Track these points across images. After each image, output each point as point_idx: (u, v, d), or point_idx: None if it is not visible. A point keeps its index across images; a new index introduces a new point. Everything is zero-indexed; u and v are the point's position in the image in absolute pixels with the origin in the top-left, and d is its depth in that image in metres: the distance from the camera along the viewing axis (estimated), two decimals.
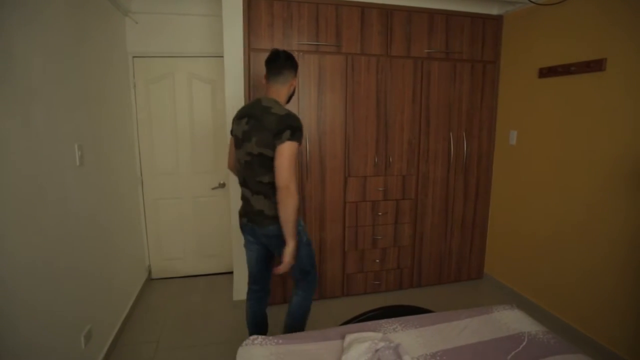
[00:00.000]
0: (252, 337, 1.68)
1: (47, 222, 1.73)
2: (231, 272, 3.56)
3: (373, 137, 2.95)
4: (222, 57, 3.21)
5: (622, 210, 2.27)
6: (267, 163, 1.87)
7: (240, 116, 2.02)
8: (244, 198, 2.08)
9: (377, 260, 3.14)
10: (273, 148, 1.83)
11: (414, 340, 1.72)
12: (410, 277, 3.27)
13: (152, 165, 3.33)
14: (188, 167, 3.39)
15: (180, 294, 3.25)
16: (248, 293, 2.26)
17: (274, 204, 1.91)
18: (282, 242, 1.90)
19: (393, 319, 1.88)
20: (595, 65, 2.35)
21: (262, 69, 2.67)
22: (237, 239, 2.90)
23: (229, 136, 2.25)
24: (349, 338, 1.65)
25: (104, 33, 2.61)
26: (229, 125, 2.74)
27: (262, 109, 1.92)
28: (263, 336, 1.69)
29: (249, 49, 2.66)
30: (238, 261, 2.94)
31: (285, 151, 1.80)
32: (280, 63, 1.97)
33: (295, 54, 2.68)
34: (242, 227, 2.13)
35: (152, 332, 2.67)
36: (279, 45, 2.71)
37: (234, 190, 2.84)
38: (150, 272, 3.49)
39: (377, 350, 1.56)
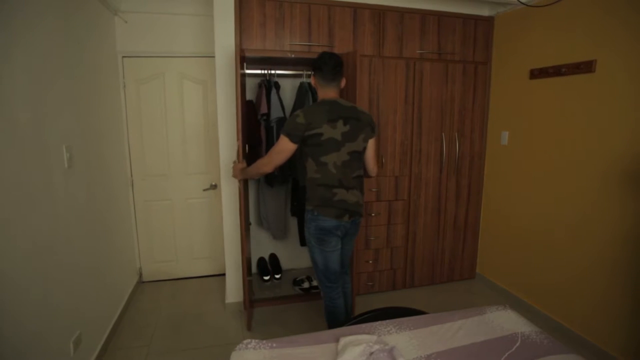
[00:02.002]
0: (245, 341, 1.66)
1: (34, 225, 1.68)
2: (223, 274, 3.53)
3: None
4: (214, 57, 3.19)
5: (614, 211, 2.29)
6: (361, 158, 2.17)
7: (332, 119, 2.02)
8: (337, 200, 2.07)
9: (370, 261, 3.13)
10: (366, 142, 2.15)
11: (408, 342, 1.72)
12: (403, 277, 3.27)
13: (143, 166, 3.28)
14: (179, 169, 3.35)
15: (171, 296, 3.21)
16: (336, 295, 2.26)
17: (362, 194, 2.20)
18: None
19: (387, 320, 1.87)
20: (585, 67, 2.37)
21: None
22: (230, 241, 2.88)
23: (288, 147, 2.03)
24: (343, 341, 1.64)
25: (93, 32, 2.57)
26: (221, 126, 2.73)
27: (352, 109, 2.11)
28: (257, 340, 1.67)
29: (241, 49, 2.63)
30: (230, 263, 2.91)
31: (375, 143, 2.24)
32: (340, 67, 2.11)
33: (287, 55, 2.68)
34: (336, 228, 2.11)
35: (143, 336, 2.63)
36: (271, 45, 2.69)
37: (226, 191, 2.81)
38: (141, 275, 3.44)
39: (371, 353, 1.55)
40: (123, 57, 3.12)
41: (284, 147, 2.04)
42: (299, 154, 2.17)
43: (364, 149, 2.17)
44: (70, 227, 2.05)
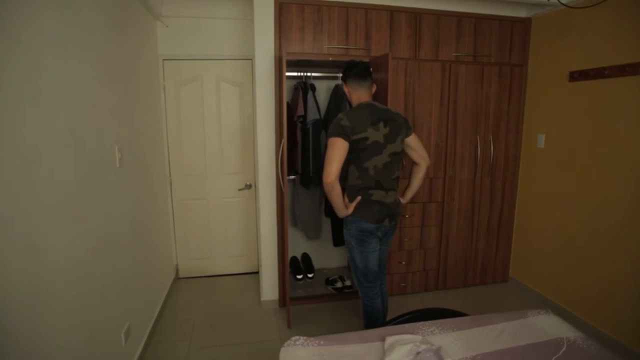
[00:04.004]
0: (294, 338, 1.71)
1: (91, 222, 1.77)
2: (256, 272, 3.62)
3: None
4: (250, 59, 3.28)
5: None
6: (400, 159, 2.23)
7: (374, 122, 2.08)
8: (376, 202, 2.13)
9: (403, 263, 3.15)
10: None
11: (452, 343, 1.74)
12: (435, 279, 3.28)
13: (181, 166, 3.39)
14: (215, 168, 3.44)
15: (207, 293, 3.30)
16: (375, 295, 2.30)
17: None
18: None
19: (430, 321, 1.89)
20: (631, 69, 2.33)
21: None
22: (266, 240, 2.94)
23: (342, 146, 2.01)
24: (390, 340, 1.68)
25: (138, 37, 2.67)
26: (260, 127, 2.79)
27: (386, 111, 2.17)
28: (305, 337, 1.72)
29: (280, 52, 2.69)
30: (266, 261, 2.97)
31: (417, 137, 2.29)
32: (368, 70, 2.21)
33: (326, 58, 2.73)
34: (376, 229, 2.17)
35: (184, 330, 2.72)
36: (310, 48, 2.74)
37: (263, 191, 2.87)
38: (177, 272, 3.55)
39: (418, 353, 1.58)
40: (163, 60, 3.23)
41: (339, 147, 2.01)
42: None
43: (402, 150, 2.22)
44: (120, 225, 2.14)
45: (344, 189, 2.18)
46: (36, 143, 1.33)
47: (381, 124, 2.10)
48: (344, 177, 2.16)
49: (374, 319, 2.32)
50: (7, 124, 1.19)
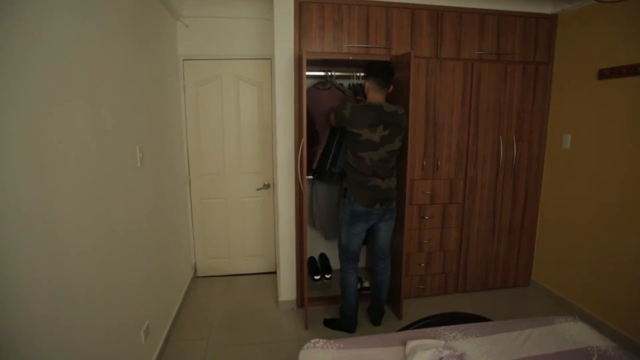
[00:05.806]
0: (313, 340, 1.69)
1: (112, 222, 1.78)
2: (273, 272, 3.62)
3: (421, 140, 2.92)
4: (269, 59, 3.27)
5: None
6: (396, 154, 2.48)
7: (373, 124, 2.32)
8: (372, 187, 2.41)
9: (422, 264, 3.10)
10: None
11: (475, 349, 1.69)
12: (455, 282, 3.21)
13: (200, 165, 3.41)
14: (234, 168, 3.45)
15: (225, 292, 3.32)
16: (350, 270, 2.61)
17: (396, 181, 2.56)
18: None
19: (452, 326, 1.85)
20: None
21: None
22: (284, 239, 2.93)
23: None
24: (411, 345, 1.64)
25: (160, 38, 2.69)
26: (279, 127, 2.79)
27: (393, 115, 2.38)
28: (324, 340, 1.70)
29: (300, 51, 2.67)
30: (284, 261, 2.96)
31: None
32: (392, 77, 2.42)
33: (347, 57, 2.70)
34: (367, 214, 2.44)
35: (202, 329, 2.73)
36: (329, 47, 2.72)
37: (282, 191, 2.86)
38: (195, 270, 3.57)
39: (441, 359, 1.54)
40: (184, 60, 3.25)
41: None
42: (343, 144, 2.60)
43: (399, 148, 2.48)
44: (141, 224, 2.16)
45: (345, 174, 2.57)
46: (60, 142, 1.34)
47: (380, 127, 2.33)
48: (344, 163, 2.56)
49: (347, 291, 2.60)
50: (32, 122, 1.20)
